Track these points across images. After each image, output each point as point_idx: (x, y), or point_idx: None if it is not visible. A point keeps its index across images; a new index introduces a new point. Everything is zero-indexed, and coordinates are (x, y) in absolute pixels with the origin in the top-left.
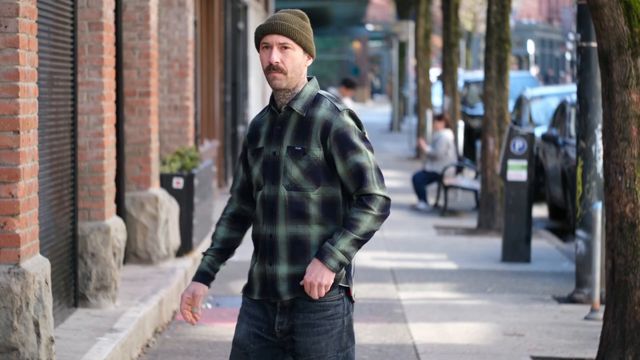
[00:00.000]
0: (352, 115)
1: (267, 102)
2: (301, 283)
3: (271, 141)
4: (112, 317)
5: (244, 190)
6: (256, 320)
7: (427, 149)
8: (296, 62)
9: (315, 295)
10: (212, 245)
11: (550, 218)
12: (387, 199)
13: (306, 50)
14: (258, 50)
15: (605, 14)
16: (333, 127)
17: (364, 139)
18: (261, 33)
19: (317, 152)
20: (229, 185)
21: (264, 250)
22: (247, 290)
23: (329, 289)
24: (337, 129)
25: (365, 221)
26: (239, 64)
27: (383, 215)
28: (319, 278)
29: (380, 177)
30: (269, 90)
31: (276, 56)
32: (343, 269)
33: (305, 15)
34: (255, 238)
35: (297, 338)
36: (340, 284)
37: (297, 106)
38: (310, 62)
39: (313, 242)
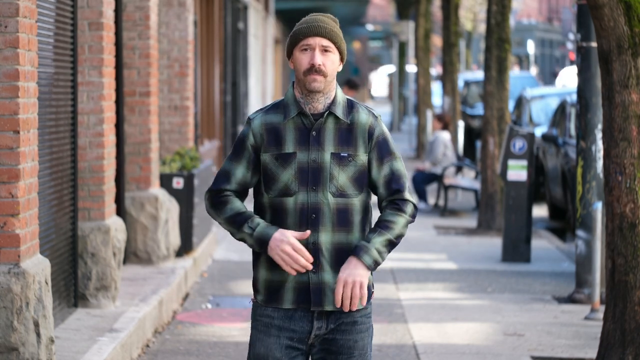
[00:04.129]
0: None
1: (267, 102)
2: (338, 281)
3: (307, 147)
4: (112, 317)
5: (240, 191)
6: (287, 332)
7: (428, 167)
8: (334, 65)
9: (348, 293)
10: (248, 217)
11: (550, 218)
12: (416, 207)
13: (342, 55)
14: (289, 54)
15: (605, 14)
16: (376, 132)
17: (395, 146)
18: (302, 35)
19: (364, 158)
20: None
21: None
22: (270, 300)
23: (364, 289)
24: (379, 134)
25: (400, 224)
26: (239, 64)
27: (411, 221)
28: (356, 276)
29: (411, 188)
30: (269, 91)
31: (319, 58)
32: (376, 267)
33: (337, 20)
34: None
35: (340, 336)
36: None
37: (339, 112)
38: (340, 67)
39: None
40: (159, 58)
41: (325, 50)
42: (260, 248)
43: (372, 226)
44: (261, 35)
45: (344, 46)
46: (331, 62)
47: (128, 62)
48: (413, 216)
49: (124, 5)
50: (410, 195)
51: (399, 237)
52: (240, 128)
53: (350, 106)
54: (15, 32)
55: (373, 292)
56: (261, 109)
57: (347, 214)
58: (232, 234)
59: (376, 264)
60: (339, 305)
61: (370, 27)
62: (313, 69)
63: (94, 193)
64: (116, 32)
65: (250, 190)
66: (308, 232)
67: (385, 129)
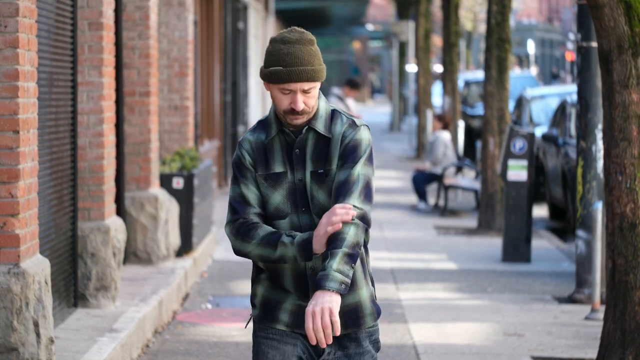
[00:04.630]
0: (368, 130)
1: (267, 102)
2: (305, 315)
3: (293, 166)
4: (112, 317)
5: (262, 214)
6: (293, 347)
7: (428, 166)
8: (316, 97)
9: (318, 324)
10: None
11: (550, 218)
12: (365, 212)
13: (322, 78)
14: (266, 82)
15: (605, 14)
16: (347, 139)
17: (370, 157)
18: (282, 80)
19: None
20: (229, 186)
21: (301, 285)
22: (264, 318)
23: (335, 315)
24: (350, 140)
25: (350, 232)
26: (238, 64)
27: (365, 227)
28: (324, 303)
29: (368, 195)
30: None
31: (301, 102)
32: (346, 287)
33: (314, 38)
34: (279, 272)
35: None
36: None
37: (319, 126)
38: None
39: (357, 266)
40: (159, 58)
41: (306, 91)
42: (306, 256)
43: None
44: (261, 35)
45: (324, 73)
46: (313, 98)
47: (128, 62)
48: (363, 219)
49: (124, 5)
50: (358, 201)
51: (356, 246)
52: (241, 128)
53: (332, 118)
54: (15, 32)
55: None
56: (248, 130)
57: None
58: (267, 259)
59: (343, 284)
60: (313, 343)
61: (370, 27)
62: (295, 112)
63: (94, 193)
64: (116, 32)
65: None
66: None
67: (364, 137)
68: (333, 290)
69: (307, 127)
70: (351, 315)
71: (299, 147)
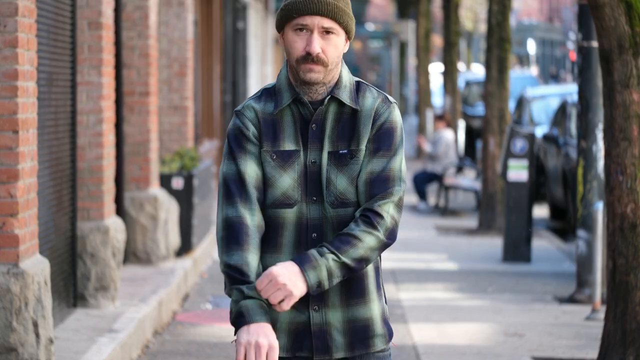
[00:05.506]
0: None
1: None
2: (266, 273)
3: (307, 144)
4: (111, 317)
5: (261, 198)
6: None
7: (427, 148)
8: (338, 50)
9: (268, 293)
10: (247, 279)
11: (551, 218)
12: (397, 225)
13: (349, 34)
14: (280, 30)
15: (606, 14)
16: (381, 118)
17: (401, 143)
18: (297, 12)
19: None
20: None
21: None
22: None
23: (287, 304)
24: (384, 121)
25: (366, 244)
26: (238, 63)
27: (387, 244)
28: (288, 284)
29: (402, 200)
30: None
31: (317, 44)
32: (318, 291)
33: None
34: None
35: None
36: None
37: (344, 96)
38: (347, 47)
39: (370, 273)
40: (159, 58)
41: (326, 32)
42: (235, 321)
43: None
44: (261, 35)
45: (352, 24)
46: (334, 47)
47: (127, 62)
48: (390, 236)
49: (124, 5)
50: (395, 207)
51: (361, 261)
52: None
53: (358, 90)
54: (15, 32)
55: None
56: (250, 98)
57: None
58: (225, 282)
59: (319, 286)
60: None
61: (370, 26)
62: (309, 58)
63: (94, 193)
64: (116, 31)
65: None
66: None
67: (397, 119)
68: (307, 282)
69: (329, 96)
70: (358, 335)
71: (317, 121)
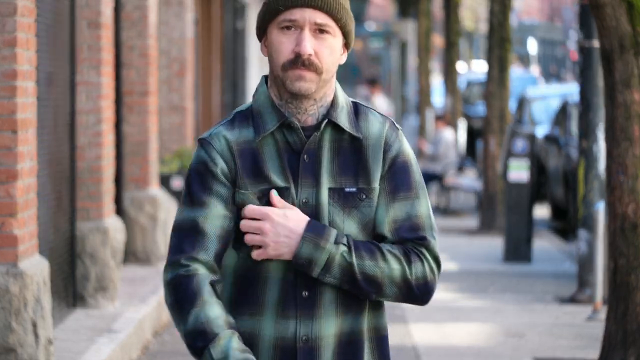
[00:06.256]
0: None
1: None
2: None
3: (298, 180)
4: (110, 317)
5: (219, 257)
6: None
7: (428, 150)
8: (334, 55)
9: (246, 232)
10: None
11: (551, 218)
12: (434, 283)
13: (347, 39)
14: (261, 33)
15: (607, 13)
16: (393, 150)
17: (422, 180)
18: (284, 3)
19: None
20: None
21: (285, 305)
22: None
23: (261, 257)
24: (397, 153)
25: (388, 269)
26: (238, 63)
27: (414, 293)
28: (273, 238)
29: (435, 227)
30: None
31: (309, 44)
32: (325, 278)
33: None
34: (254, 341)
35: None
36: None
37: (342, 120)
38: (344, 58)
39: (366, 340)
40: (158, 57)
41: (320, 30)
42: None
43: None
44: None
45: (351, 24)
46: (329, 50)
47: (127, 62)
48: (422, 287)
49: (123, 5)
50: (432, 260)
51: (371, 283)
52: None
53: (356, 112)
54: (14, 32)
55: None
56: (219, 124)
57: None
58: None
59: (305, 267)
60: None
61: (370, 26)
62: (299, 61)
63: (93, 193)
64: (115, 31)
65: None
66: None
67: (408, 148)
68: (296, 250)
69: (325, 120)
70: (349, 355)
71: (310, 151)
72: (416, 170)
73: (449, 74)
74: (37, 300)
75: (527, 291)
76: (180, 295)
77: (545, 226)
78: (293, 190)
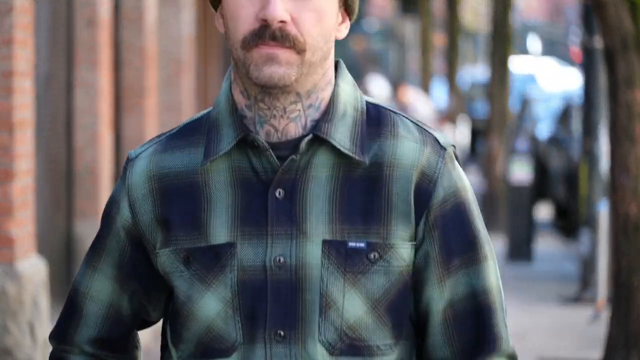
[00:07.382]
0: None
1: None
2: None
3: (263, 229)
4: None
5: (113, 336)
6: None
7: None
8: (325, 23)
9: None
10: None
11: (553, 218)
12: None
13: (347, 2)
14: (216, 1)
15: (609, 13)
16: (438, 194)
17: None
18: None
19: (406, 253)
20: None
21: None
22: None
23: None
24: (444, 199)
25: None
26: None
27: None
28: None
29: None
30: None
31: (281, 6)
32: None
33: None
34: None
35: None
36: None
37: (339, 134)
38: (345, 30)
39: None
40: (157, 56)
41: None
42: None
43: None
44: None
45: None
46: (315, 16)
47: (125, 61)
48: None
49: (121, 3)
50: (505, 344)
51: None
52: None
53: (375, 122)
54: (11, 31)
55: None
56: (156, 138)
57: None
58: None
59: None
60: None
61: (370, 25)
62: (267, 33)
63: (91, 193)
64: (113, 30)
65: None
66: None
67: (464, 181)
68: None
69: (310, 135)
70: None
71: (286, 182)
72: (477, 215)
73: (450, 74)
74: (35, 302)
75: (530, 291)
76: None
77: (547, 226)
78: (241, 248)
